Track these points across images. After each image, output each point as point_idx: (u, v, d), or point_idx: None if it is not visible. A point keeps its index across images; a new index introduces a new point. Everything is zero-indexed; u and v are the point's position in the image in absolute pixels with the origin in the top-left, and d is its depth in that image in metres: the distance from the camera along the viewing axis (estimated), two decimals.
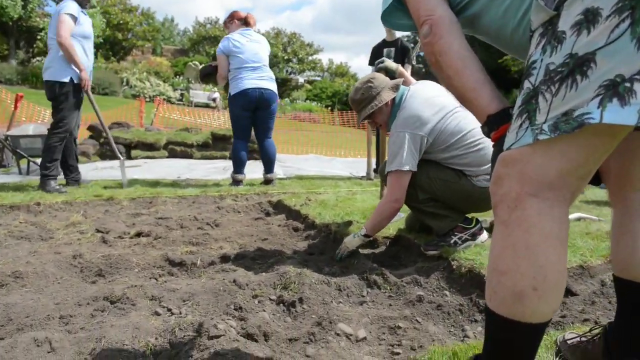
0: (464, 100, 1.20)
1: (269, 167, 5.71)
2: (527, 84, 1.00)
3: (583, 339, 1.45)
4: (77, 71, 4.75)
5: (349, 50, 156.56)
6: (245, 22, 5.59)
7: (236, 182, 5.57)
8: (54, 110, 4.84)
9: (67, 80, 4.73)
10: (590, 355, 1.39)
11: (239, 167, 5.56)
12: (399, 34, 6.68)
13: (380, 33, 6.90)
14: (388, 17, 1.46)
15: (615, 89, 0.83)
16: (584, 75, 0.87)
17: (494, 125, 1.13)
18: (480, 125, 1.17)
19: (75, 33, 4.75)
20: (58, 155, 4.85)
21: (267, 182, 5.70)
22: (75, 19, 4.71)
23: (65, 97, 4.77)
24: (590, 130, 0.87)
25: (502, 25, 1.21)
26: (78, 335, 1.68)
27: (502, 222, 1.02)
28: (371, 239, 2.74)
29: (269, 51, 5.71)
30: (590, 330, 1.46)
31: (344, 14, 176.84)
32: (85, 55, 4.87)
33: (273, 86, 5.53)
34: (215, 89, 30.68)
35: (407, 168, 2.51)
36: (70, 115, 4.83)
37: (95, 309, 1.90)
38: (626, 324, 1.29)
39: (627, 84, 0.82)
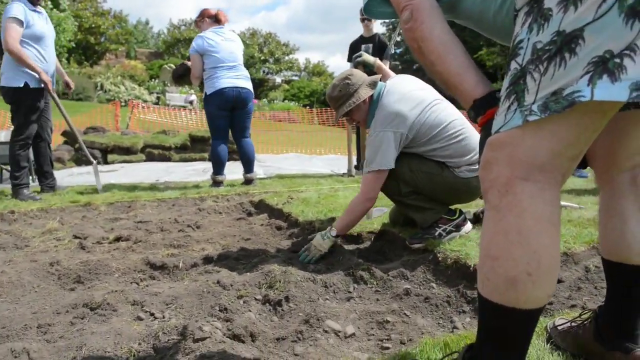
0: (449, 85, 1.17)
1: (248, 166, 5.65)
2: (513, 65, 0.98)
3: (573, 324, 1.44)
4: (35, 75, 4.53)
5: (325, 50, 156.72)
6: (217, 20, 5.48)
7: (216, 183, 5.49)
8: (12, 116, 4.67)
9: (21, 85, 4.51)
10: (581, 340, 1.38)
11: (218, 168, 5.48)
12: (376, 29, 6.68)
13: (356, 30, 6.93)
14: (369, 7, 1.44)
15: (605, 65, 0.82)
16: (573, 53, 0.85)
17: (481, 109, 1.11)
18: (467, 110, 1.15)
19: (25, 36, 4.50)
20: (24, 163, 4.70)
21: (247, 182, 5.64)
22: (21, 22, 4.45)
23: (21, 102, 4.58)
24: (581, 108, 0.86)
25: (484, 8, 1.19)
26: (57, 344, 1.62)
27: (493, 208, 1.00)
28: (339, 239, 2.65)
29: (243, 50, 5.65)
30: (580, 315, 1.45)
31: (318, 14, 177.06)
32: (40, 57, 4.64)
33: (249, 85, 5.49)
34: (192, 91, 30.39)
35: (386, 167, 2.50)
36: (29, 121, 4.64)
37: (75, 317, 1.84)
38: (616, 307, 1.29)
39: (617, 60, 0.81)
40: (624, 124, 1.16)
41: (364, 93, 2.63)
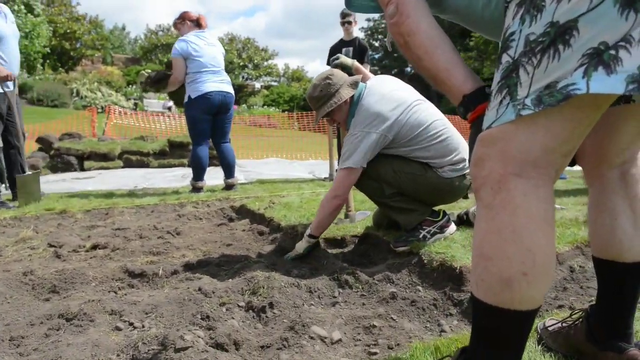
0: (436, 81, 1.14)
1: (229, 171, 5.59)
2: (505, 58, 0.95)
3: (564, 324, 1.43)
4: None
5: (304, 55, 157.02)
6: (198, 24, 5.43)
7: (196, 189, 5.41)
8: None
9: None
10: (572, 340, 1.36)
11: (199, 174, 5.40)
12: (356, 33, 6.67)
13: (334, 35, 6.95)
14: (351, 1, 1.41)
15: (600, 57, 0.79)
16: (567, 44, 0.83)
17: (470, 105, 1.08)
18: (456, 106, 1.12)
19: None
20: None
21: (228, 187, 5.57)
22: None
23: None
24: (575, 102, 0.84)
25: (471, 1, 1.17)
26: (31, 357, 1.55)
27: (486, 206, 0.97)
28: (317, 239, 2.64)
29: (224, 55, 5.61)
30: (571, 315, 1.44)
31: (297, 20, 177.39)
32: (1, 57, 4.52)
33: (232, 90, 5.47)
34: (168, 97, 30.06)
35: (359, 165, 2.47)
36: None
37: (50, 328, 1.76)
38: (608, 306, 1.27)
39: (612, 52, 0.78)
40: (614, 119, 1.15)
41: (346, 93, 2.59)
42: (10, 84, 4.56)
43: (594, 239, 1.27)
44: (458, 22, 1.32)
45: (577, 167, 1.30)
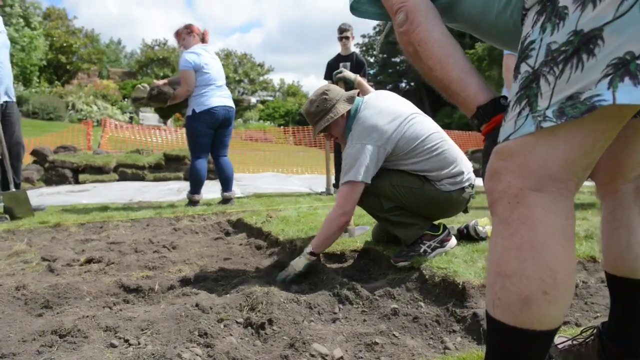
0: (449, 92, 1.11)
1: (227, 185, 5.53)
2: (524, 67, 0.92)
3: (574, 342, 1.38)
4: None
5: (299, 71, 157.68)
6: (203, 39, 5.46)
7: (193, 202, 5.36)
8: None
9: None
10: (583, 358, 1.32)
11: (197, 187, 5.36)
12: (352, 48, 6.70)
13: (329, 52, 6.97)
14: (356, 5, 1.37)
15: (626, 68, 0.76)
16: (591, 54, 0.80)
17: (485, 117, 1.05)
18: (469, 117, 1.09)
19: None
20: None
21: (225, 200, 5.52)
22: None
23: None
24: (599, 114, 0.80)
25: (485, 9, 1.13)
26: None
27: (503, 221, 0.93)
28: (316, 258, 2.54)
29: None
30: (582, 332, 1.40)
31: (292, 35, 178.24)
32: None
33: (233, 104, 5.51)
34: (157, 114, 30.00)
35: (360, 179, 2.42)
36: None
37: (42, 345, 1.70)
38: (622, 325, 1.24)
39: (639, 62, 0.75)
40: (630, 132, 1.12)
41: (342, 108, 2.58)
42: None
43: (608, 255, 1.23)
44: (467, 30, 1.28)
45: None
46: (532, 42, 0.91)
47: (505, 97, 1.03)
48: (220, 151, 5.47)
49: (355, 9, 1.40)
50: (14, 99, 4.91)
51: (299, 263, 2.49)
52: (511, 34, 1.05)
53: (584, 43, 0.81)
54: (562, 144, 0.86)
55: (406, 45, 1.15)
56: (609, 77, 0.78)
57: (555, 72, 0.85)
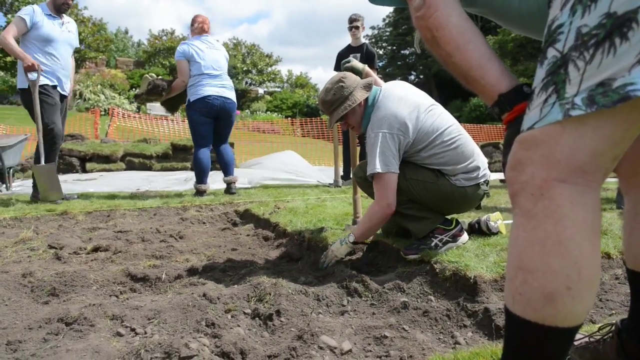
0: (468, 79, 1.07)
1: (227, 169, 5.63)
2: (552, 52, 0.87)
3: (592, 339, 1.35)
4: (41, 75, 4.72)
5: (307, 63, 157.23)
6: (202, 29, 5.50)
7: (199, 192, 5.37)
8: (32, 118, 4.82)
9: (26, 86, 4.73)
10: (601, 356, 1.29)
11: (202, 177, 5.37)
12: (363, 39, 6.65)
13: (336, 44, 6.96)
14: None
15: None
16: (624, 38, 0.75)
17: (507, 105, 1.01)
18: (489, 106, 1.05)
19: (30, 36, 4.77)
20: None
21: (228, 186, 5.63)
22: (24, 21, 4.70)
23: (28, 103, 4.76)
24: (632, 103, 0.76)
25: None
26: None
27: (525, 213, 0.90)
28: (357, 246, 2.60)
29: (227, 59, 5.63)
30: (599, 329, 1.36)
31: (300, 27, 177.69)
32: (44, 57, 4.81)
33: (233, 96, 5.52)
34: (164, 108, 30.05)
35: (388, 170, 2.38)
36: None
37: (48, 333, 1.69)
38: None
39: None
40: None
41: (360, 95, 2.53)
42: (34, 74, 4.67)
43: (630, 251, 1.19)
44: (488, 16, 1.24)
45: None
46: (561, 25, 0.87)
47: (528, 85, 0.99)
48: (219, 143, 5.56)
49: None
50: (65, 93, 5.06)
51: (340, 250, 2.53)
52: (536, 18, 1.01)
53: (618, 26, 0.77)
54: (590, 133, 0.82)
55: (424, 31, 1.11)
56: None
57: (586, 57, 0.81)
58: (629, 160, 1.14)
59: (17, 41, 4.79)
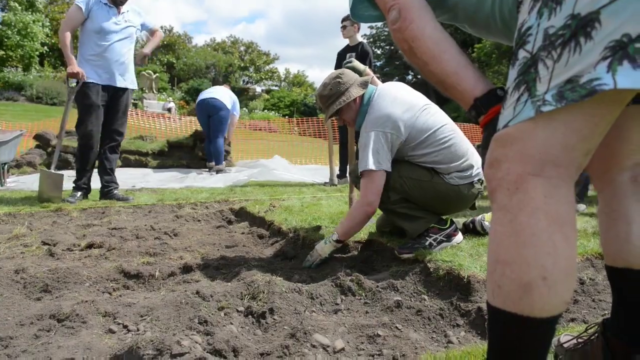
0: (445, 86, 1.11)
1: (217, 158, 7.66)
2: (522, 53, 0.92)
3: (579, 340, 1.36)
4: (95, 70, 4.57)
5: (304, 62, 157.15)
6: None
7: (219, 170, 7.63)
8: None
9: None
10: (590, 356, 1.30)
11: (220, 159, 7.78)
12: (360, 38, 6.65)
13: (333, 44, 6.99)
14: (356, 10, 1.41)
15: (625, 50, 0.76)
16: (588, 37, 0.80)
17: (483, 108, 1.05)
18: (466, 110, 1.08)
19: (88, 27, 4.57)
20: (86, 166, 4.72)
21: (217, 172, 7.54)
22: (80, 9, 4.51)
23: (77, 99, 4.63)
24: (598, 97, 0.80)
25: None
26: (19, 359, 1.48)
27: (502, 208, 0.93)
28: (341, 245, 2.61)
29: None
30: (586, 329, 1.37)
31: (297, 27, 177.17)
32: (98, 51, 4.59)
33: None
34: (170, 98, 30.03)
35: (380, 168, 2.40)
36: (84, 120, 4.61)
37: (40, 329, 1.69)
38: (625, 318, 1.21)
39: (637, 45, 0.75)
40: (623, 120, 1.10)
41: (355, 92, 2.57)
42: (74, 81, 4.54)
43: (607, 247, 1.21)
44: (463, 24, 1.30)
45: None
46: (529, 27, 0.91)
47: (502, 88, 1.03)
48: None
49: (356, 15, 1.43)
50: (124, 85, 4.82)
51: (324, 249, 2.54)
52: (507, 23, 1.06)
53: (582, 26, 0.81)
54: (561, 127, 0.86)
55: (401, 43, 1.16)
56: (607, 60, 0.78)
57: (554, 56, 0.85)
58: (600, 157, 1.17)
59: (76, 32, 4.59)
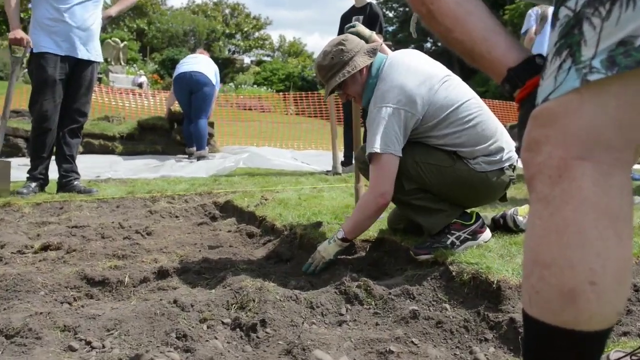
0: (473, 55, 1.10)
1: (199, 143, 7.85)
2: (564, 11, 0.90)
3: (633, 357, 1.37)
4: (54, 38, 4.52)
5: (301, 28, 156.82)
6: None
7: (201, 157, 7.72)
8: None
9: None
10: None
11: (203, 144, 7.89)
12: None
13: (335, 6, 6.98)
14: None
15: None
16: None
17: (518, 80, 1.04)
18: (499, 83, 1.07)
19: None
20: (42, 152, 4.66)
21: (198, 159, 7.73)
22: None
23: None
24: None
25: None
26: None
27: (542, 199, 0.92)
28: (348, 244, 2.62)
29: None
30: None
31: None
32: (55, 14, 4.52)
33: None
34: (142, 72, 30.05)
35: (386, 150, 2.39)
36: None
37: None
38: None
39: None
40: None
41: (361, 61, 2.55)
42: (19, 50, 4.53)
43: None
44: None
45: None
46: None
47: (541, 56, 1.02)
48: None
49: None
50: (86, 57, 4.76)
51: (328, 250, 2.52)
52: None
53: None
54: (613, 101, 0.84)
55: (418, 6, 1.14)
56: None
57: (602, 14, 0.82)
58: None
59: None
